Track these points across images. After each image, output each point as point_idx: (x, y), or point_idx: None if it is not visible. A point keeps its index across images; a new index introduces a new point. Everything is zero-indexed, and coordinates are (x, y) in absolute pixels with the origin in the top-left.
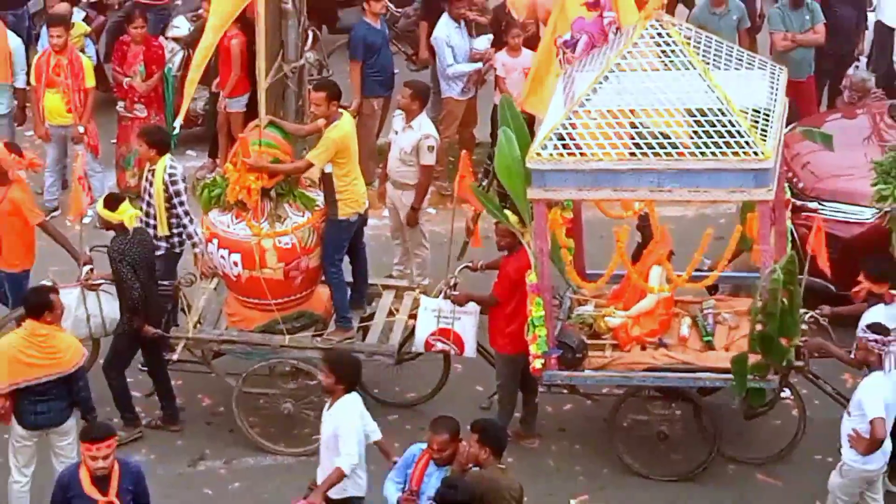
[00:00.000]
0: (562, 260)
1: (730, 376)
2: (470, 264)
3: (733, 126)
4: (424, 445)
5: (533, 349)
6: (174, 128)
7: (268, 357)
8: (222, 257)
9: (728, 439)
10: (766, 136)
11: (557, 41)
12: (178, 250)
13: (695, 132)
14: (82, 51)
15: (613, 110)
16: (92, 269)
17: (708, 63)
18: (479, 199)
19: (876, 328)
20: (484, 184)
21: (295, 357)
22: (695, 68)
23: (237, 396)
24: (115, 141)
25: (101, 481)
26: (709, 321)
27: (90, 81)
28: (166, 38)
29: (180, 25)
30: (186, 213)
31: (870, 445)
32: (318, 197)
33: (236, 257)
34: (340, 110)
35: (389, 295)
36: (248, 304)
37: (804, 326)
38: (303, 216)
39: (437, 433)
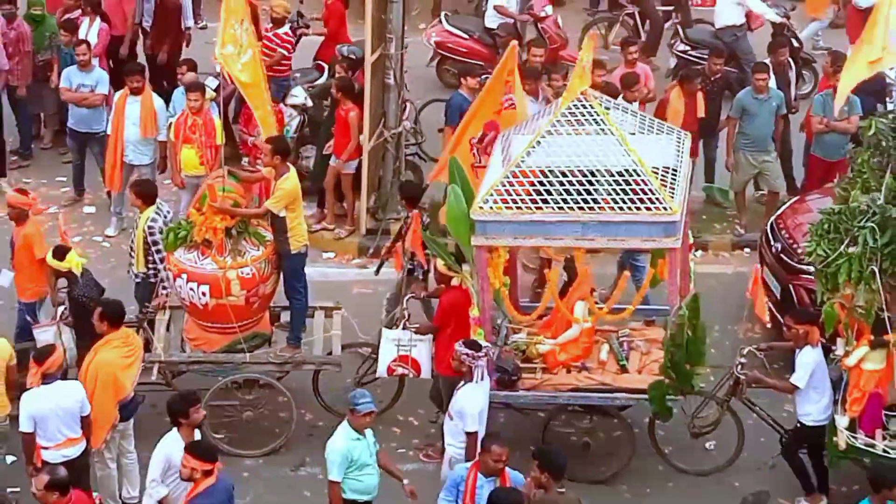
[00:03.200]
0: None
1: (642, 396)
2: (414, 294)
3: (646, 185)
4: (468, 466)
5: None
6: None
7: (231, 373)
8: (191, 290)
9: (681, 456)
10: (674, 193)
11: (472, 140)
12: (152, 280)
13: (613, 189)
14: None
15: (544, 170)
16: (66, 309)
17: (624, 129)
18: (430, 244)
19: (469, 344)
20: None
21: (255, 371)
22: (613, 134)
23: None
24: None
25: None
26: (624, 348)
27: (220, 139)
28: (285, 105)
29: (298, 94)
30: (162, 260)
31: (471, 455)
32: (268, 234)
33: (205, 288)
34: (288, 164)
35: (320, 315)
36: (211, 329)
37: (743, 360)
38: (258, 250)
39: (501, 444)
